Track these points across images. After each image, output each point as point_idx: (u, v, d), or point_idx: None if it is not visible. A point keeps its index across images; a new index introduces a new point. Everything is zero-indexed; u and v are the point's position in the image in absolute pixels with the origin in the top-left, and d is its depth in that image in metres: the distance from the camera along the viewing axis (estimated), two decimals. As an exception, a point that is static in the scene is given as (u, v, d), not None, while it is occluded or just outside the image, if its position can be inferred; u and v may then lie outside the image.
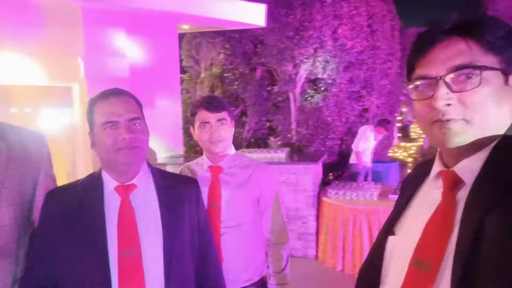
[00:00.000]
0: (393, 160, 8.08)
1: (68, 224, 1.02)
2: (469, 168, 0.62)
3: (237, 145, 6.51)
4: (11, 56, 4.28)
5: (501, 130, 0.61)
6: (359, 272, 0.77)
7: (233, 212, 1.49)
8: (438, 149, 0.70)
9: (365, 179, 5.50)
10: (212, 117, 1.46)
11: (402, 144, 11.45)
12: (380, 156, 6.63)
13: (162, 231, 1.05)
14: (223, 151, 1.52)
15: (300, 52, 5.93)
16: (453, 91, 0.60)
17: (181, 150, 5.49)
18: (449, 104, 0.60)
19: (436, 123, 0.61)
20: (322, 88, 6.44)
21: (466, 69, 0.59)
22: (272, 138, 6.04)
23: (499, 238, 0.52)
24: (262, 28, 5.90)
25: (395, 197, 3.98)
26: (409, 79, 0.67)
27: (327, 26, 5.95)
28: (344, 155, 6.35)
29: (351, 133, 6.39)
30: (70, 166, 4.93)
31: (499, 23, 0.61)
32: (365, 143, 5.35)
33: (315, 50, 6.07)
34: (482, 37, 0.60)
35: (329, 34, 6.02)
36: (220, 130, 1.47)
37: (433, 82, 0.61)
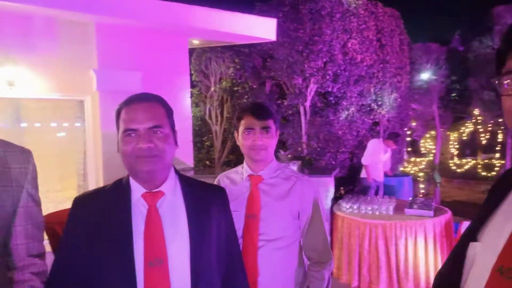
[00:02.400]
0: (405, 174, 7.96)
1: (94, 230, 0.98)
2: None
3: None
4: (24, 69, 4.32)
5: None
6: (435, 279, 0.73)
7: (272, 225, 1.42)
8: None
9: (376, 193, 5.41)
10: (257, 124, 1.43)
11: (412, 159, 11.32)
12: (392, 170, 6.53)
13: (189, 239, 1.01)
14: (264, 159, 1.47)
15: (310, 65, 5.95)
16: None
17: (190, 163, 5.46)
18: None
19: None
20: (332, 102, 6.42)
21: None
22: (282, 152, 5.98)
23: None
24: (271, 43, 5.94)
25: (411, 211, 3.89)
26: (499, 73, 0.61)
27: (337, 40, 5.98)
28: (354, 169, 6.26)
29: (362, 147, 6.32)
30: (81, 179, 4.91)
31: None
32: (375, 157, 5.28)
33: (325, 63, 6.08)
34: None
35: (338, 48, 6.04)
36: (263, 138, 1.44)
37: None
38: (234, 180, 1.54)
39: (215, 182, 1.58)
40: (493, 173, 9.99)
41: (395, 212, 3.95)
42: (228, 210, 1.18)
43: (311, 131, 6.30)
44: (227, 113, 7.21)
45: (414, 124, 11.56)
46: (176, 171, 1.12)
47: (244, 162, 1.54)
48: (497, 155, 10.26)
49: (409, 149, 11.69)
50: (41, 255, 1.13)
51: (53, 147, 4.67)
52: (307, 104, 6.30)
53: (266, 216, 1.42)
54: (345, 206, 4.14)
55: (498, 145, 10.17)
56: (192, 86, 7.42)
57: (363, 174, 5.50)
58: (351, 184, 6.40)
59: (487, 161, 10.57)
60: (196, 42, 6.23)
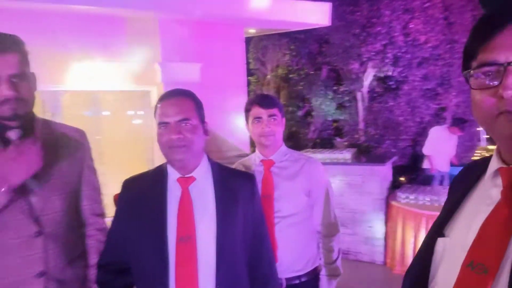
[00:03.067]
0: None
1: (137, 209, 1.16)
2: None
3: (303, 145, 6.49)
4: (99, 64, 4.85)
5: None
6: (405, 275, 0.74)
7: (286, 203, 1.57)
8: (496, 145, 0.64)
9: (441, 184, 5.08)
10: (264, 112, 1.57)
11: (491, 147, 10.28)
12: (462, 159, 6.07)
13: (215, 221, 1.13)
14: (273, 144, 1.61)
15: (367, 49, 5.72)
16: None
17: (247, 150, 5.68)
18: None
19: (503, 114, 0.55)
20: (392, 86, 6.11)
21: None
22: (338, 139, 5.91)
23: None
24: (327, 28, 5.82)
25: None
26: (468, 67, 0.60)
27: (397, 21, 5.65)
28: (417, 157, 5.94)
29: (425, 134, 5.95)
30: (150, 165, 5.41)
31: None
32: (438, 146, 4.95)
33: (384, 46, 5.79)
34: None
35: (399, 29, 5.70)
36: (271, 125, 1.57)
37: (501, 69, 0.55)
38: (248, 167, 1.67)
39: None
40: None
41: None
42: (255, 195, 1.25)
43: (369, 117, 6.10)
44: (283, 101, 7.28)
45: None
46: (209, 159, 1.25)
47: (256, 149, 1.68)
48: None
49: (487, 136, 10.64)
50: (102, 215, 1.36)
51: (127, 134, 5.21)
52: (364, 89, 6.09)
53: (280, 195, 1.57)
54: (401, 196, 4.01)
55: None
56: (250, 74, 7.60)
57: (425, 165, 5.19)
58: (413, 173, 6.10)
59: None
60: (252, 31, 6.35)
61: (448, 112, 6.42)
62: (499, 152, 0.64)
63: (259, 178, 1.58)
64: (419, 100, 6.15)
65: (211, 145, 5.16)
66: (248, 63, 7.10)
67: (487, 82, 0.57)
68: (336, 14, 5.69)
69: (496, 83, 0.56)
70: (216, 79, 5.29)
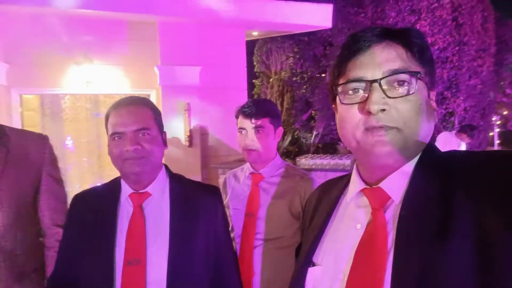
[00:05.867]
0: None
1: (85, 227, 1.07)
2: (396, 185, 0.58)
3: (305, 151, 6.37)
4: (99, 68, 4.84)
5: (423, 146, 0.58)
6: None
7: (271, 224, 1.38)
8: (355, 164, 0.65)
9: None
10: (247, 123, 1.39)
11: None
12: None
13: (169, 242, 1.04)
14: (257, 161, 1.44)
15: (372, 52, 5.56)
16: (388, 96, 0.56)
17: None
18: (383, 110, 0.55)
19: (368, 131, 0.57)
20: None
21: (403, 74, 0.56)
22: (341, 144, 5.77)
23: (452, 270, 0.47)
24: (331, 30, 5.69)
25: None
26: (337, 83, 0.62)
27: (403, 22, 5.49)
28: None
29: (432, 139, 5.77)
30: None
31: (424, 36, 0.61)
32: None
33: (389, 49, 5.62)
34: (415, 45, 0.59)
35: (405, 31, 5.52)
36: (254, 138, 1.38)
37: (368, 85, 0.57)
38: (238, 178, 1.53)
39: (224, 179, 1.61)
40: None
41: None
42: (220, 210, 1.18)
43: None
44: (287, 104, 7.17)
45: (506, 112, 10.14)
46: (168, 171, 1.16)
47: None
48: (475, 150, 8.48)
49: (498, 141, 10.34)
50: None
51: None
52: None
53: (265, 215, 1.39)
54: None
55: None
56: (255, 77, 7.52)
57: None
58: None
59: None
60: (255, 33, 6.27)
61: (455, 117, 6.22)
62: (359, 171, 0.64)
63: (246, 193, 1.44)
64: (426, 104, 5.95)
65: (209, 149, 5.09)
66: (253, 66, 7.03)
67: (355, 98, 0.59)
68: (340, 16, 5.56)
69: (363, 99, 0.57)
70: (216, 82, 5.22)
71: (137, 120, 1.05)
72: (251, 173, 1.48)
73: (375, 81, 0.57)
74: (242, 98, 5.60)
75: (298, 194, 1.41)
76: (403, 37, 0.59)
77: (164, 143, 1.14)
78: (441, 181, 0.54)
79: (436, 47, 5.71)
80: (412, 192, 0.56)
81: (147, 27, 5.07)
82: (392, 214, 0.57)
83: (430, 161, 0.58)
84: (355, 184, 0.64)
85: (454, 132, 5.07)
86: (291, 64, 7.06)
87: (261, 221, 1.40)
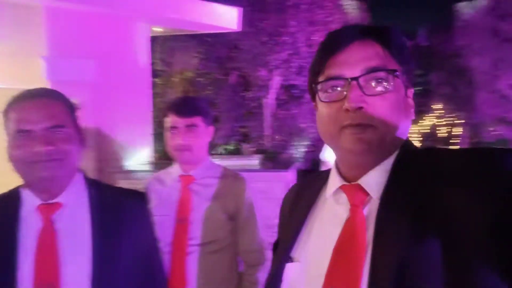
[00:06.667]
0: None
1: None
2: (375, 181, 0.58)
3: (209, 152, 6.33)
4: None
5: (400, 142, 0.60)
6: None
7: (204, 228, 1.33)
8: (335, 160, 0.65)
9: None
10: (180, 122, 1.31)
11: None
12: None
13: (91, 260, 0.89)
14: (190, 161, 1.37)
15: (274, 57, 5.88)
16: (366, 94, 0.57)
17: (150, 157, 5.28)
18: (361, 108, 0.56)
19: (346, 128, 0.57)
20: (297, 95, 6.40)
21: (380, 72, 0.57)
22: (244, 145, 5.93)
23: (424, 265, 0.48)
24: (237, 33, 5.80)
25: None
26: (316, 81, 0.62)
27: (302, 32, 5.93)
28: (317, 162, 6.32)
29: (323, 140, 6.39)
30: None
31: (402, 35, 0.62)
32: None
33: (290, 56, 6.03)
34: (393, 44, 0.60)
35: (303, 40, 6.00)
36: (188, 137, 1.31)
37: (346, 83, 0.58)
38: (164, 182, 1.43)
39: (147, 184, 1.48)
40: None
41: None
42: (146, 218, 1.06)
43: (275, 124, 6.28)
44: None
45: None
46: (85, 177, 1.00)
47: (175, 162, 1.43)
48: (453, 147, 10.75)
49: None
50: None
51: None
52: (271, 96, 6.25)
53: (198, 219, 1.33)
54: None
55: (455, 138, 10.63)
56: (155, 75, 7.16)
57: (324, 169, 5.57)
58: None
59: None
60: (159, 30, 5.97)
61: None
62: (338, 168, 0.64)
63: (175, 197, 1.34)
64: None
65: (106, 152, 4.63)
66: (153, 64, 6.67)
67: (333, 96, 0.59)
68: (246, 20, 5.71)
69: (342, 97, 0.58)
70: (116, 79, 4.79)
71: (50, 116, 0.87)
72: (181, 175, 1.39)
73: (353, 79, 0.57)
74: (146, 96, 5.26)
75: (232, 195, 1.39)
76: (381, 35, 0.60)
77: (83, 142, 0.98)
78: (418, 177, 0.55)
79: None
80: (390, 189, 0.57)
81: (28, 11, 4.37)
82: (370, 211, 0.58)
83: (408, 157, 0.59)
84: (334, 181, 0.64)
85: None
86: (196, 64, 6.97)
87: (194, 225, 1.32)
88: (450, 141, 10.74)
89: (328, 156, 5.26)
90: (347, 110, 0.57)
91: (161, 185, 1.42)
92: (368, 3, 7.18)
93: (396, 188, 0.56)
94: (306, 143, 6.34)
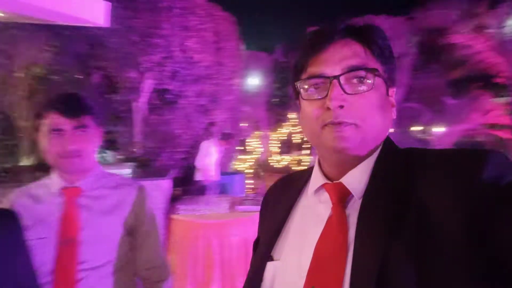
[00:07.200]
0: (237, 171, 8.51)
1: None
2: (357, 180, 0.59)
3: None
4: None
5: (382, 141, 0.61)
6: None
7: (97, 248, 1.15)
8: (317, 159, 0.66)
9: (214, 192, 5.55)
10: (67, 123, 1.12)
11: (241, 156, 12.29)
12: (223, 168, 6.85)
13: None
14: (78, 170, 1.16)
15: (146, 59, 5.56)
16: (346, 93, 0.57)
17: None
18: (342, 106, 0.57)
19: (327, 126, 0.58)
20: (170, 100, 6.20)
21: (361, 70, 0.58)
22: (110, 152, 5.38)
23: (406, 262, 0.49)
24: (100, 28, 5.22)
25: (243, 207, 4.10)
26: (298, 79, 0.62)
27: (175, 36, 5.80)
28: (192, 168, 6.25)
29: (198, 146, 6.37)
30: None
31: (384, 34, 0.63)
32: (209, 158, 5.46)
33: (163, 59, 5.81)
34: (374, 43, 0.60)
35: (177, 45, 5.87)
36: (77, 141, 1.13)
37: (327, 82, 0.58)
38: (38, 198, 1.18)
39: (9, 203, 1.17)
40: (302, 167, 11.91)
41: (230, 210, 4.09)
42: (19, 241, 0.91)
43: (147, 129, 5.92)
44: (39, 108, 5.95)
45: (245, 124, 12.57)
46: None
47: (53, 171, 1.19)
48: (306, 152, 12.28)
49: (240, 148, 12.66)
50: None
51: None
52: (142, 100, 5.87)
53: (89, 238, 1.15)
54: (182, 208, 4.03)
55: (307, 144, 12.17)
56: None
57: (199, 176, 5.57)
58: (188, 184, 6.36)
59: (299, 157, 12.50)
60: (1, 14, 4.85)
61: (216, 127, 7.16)
62: (320, 166, 0.65)
63: (56, 215, 1.13)
64: (194, 114, 6.55)
65: None
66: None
67: (315, 94, 0.60)
68: (114, 16, 5.19)
69: (323, 95, 0.58)
70: None
71: None
72: (64, 188, 1.17)
73: (334, 77, 0.57)
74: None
75: (129, 206, 1.23)
76: (363, 34, 0.60)
77: None
78: (400, 176, 0.56)
79: (202, 64, 6.40)
80: (372, 187, 0.57)
81: None
82: (352, 209, 0.58)
83: (390, 156, 0.60)
84: (316, 179, 0.63)
85: (214, 139, 5.81)
86: (47, 59, 5.96)
87: (85, 246, 1.13)
88: (303, 146, 12.22)
89: (203, 163, 5.30)
90: (328, 108, 0.57)
91: (35, 201, 1.17)
92: (236, 18, 7.55)
93: (377, 187, 0.57)
94: (180, 149, 6.19)
